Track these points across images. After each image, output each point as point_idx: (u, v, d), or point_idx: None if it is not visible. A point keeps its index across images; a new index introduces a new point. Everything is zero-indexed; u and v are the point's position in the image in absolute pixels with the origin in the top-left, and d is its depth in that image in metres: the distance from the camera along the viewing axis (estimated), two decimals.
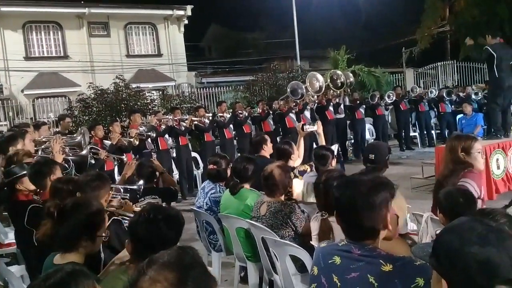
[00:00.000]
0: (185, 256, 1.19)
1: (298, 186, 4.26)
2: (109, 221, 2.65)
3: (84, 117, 12.69)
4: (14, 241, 4.46)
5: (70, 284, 1.41)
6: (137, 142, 8.10)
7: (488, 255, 1.20)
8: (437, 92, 13.24)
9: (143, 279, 1.13)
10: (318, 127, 5.37)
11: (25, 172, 3.52)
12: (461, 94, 13.76)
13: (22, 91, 17.57)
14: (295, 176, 4.64)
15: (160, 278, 1.12)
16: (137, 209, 3.09)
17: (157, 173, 4.66)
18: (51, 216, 2.36)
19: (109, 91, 13.29)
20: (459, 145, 3.50)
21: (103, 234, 2.38)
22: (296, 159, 4.94)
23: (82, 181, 3.14)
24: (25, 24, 18.40)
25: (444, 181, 3.49)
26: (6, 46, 17.80)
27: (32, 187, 3.52)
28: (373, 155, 3.70)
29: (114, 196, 3.41)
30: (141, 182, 4.00)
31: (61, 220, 2.30)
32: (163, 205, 2.38)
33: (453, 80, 21.15)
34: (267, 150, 5.27)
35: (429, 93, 13.32)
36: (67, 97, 17.06)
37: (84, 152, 5.22)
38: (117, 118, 11.19)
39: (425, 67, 21.50)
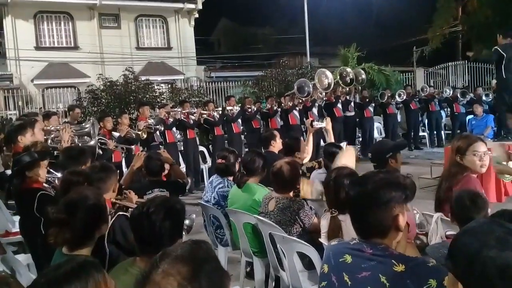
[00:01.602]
0: (198, 250, 1.17)
1: (306, 185, 4.23)
2: (114, 216, 2.63)
3: (93, 108, 12.74)
4: None
5: (81, 276, 1.39)
6: (145, 135, 8.12)
7: (507, 259, 1.16)
8: (451, 92, 13.13)
9: (156, 272, 1.12)
10: (327, 124, 5.33)
11: (33, 159, 3.53)
12: (471, 95, 13.62)
13: (32, 80, 17.65)
14: (303, 173, 4.62)
15: (173, 271, 1.10)
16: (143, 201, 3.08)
17: (167, 165, 4.65)
18: (57, 222, 2.32)
19: (118, 83, 13.32)
20: (455, 146, 3.41)
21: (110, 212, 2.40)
22: (304, 156, 4.91)
23: (88, 173, 3.14)
24: (36, 14, 18.47)
25: (443, 181, 3.45)
26: (17, 35, 17.89)
27: (43, 174, 3.54)
28: (371, 154, 3.70)
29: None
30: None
31: (72, 218, 2.27)
32: (168, 197, 2.35)
33: (463, 81, 20.97)
34: (276, 146, 5.26)
35: (443, 92, 13.22)
36: (76, 88, 17.13)
37: (92, 142, 5.23)
38: (126, 110, 11.22)
39: (436, 67, 21.33)
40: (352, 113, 11.85)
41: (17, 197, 3.88)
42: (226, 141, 10.13)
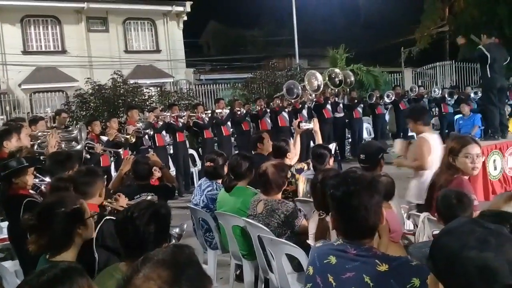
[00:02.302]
0: (180, 254, 1.17)
1: (301, 184, 4.25)
2: (102, 221, 2.62)
3: (82, 112, 12.66)
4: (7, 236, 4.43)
5: (65, 282, 1.38)
6: (134, 139, 8.08)
7: (486, 260, 1.16)
8: (440, 91, 13.24)
9: (137, 277, 1.12)
10: (314, 125, 5.35)
11: (23, 165, 3.49)
12: (458, 94, 13.76)
13: (20, 85, 17.49)
14: (292, 174, 4.64)
15: (154, 275, 1.10)
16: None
17: (157, 169, 4.63)
18: (33, 229, 2.31)
19: (107, 87, 13.25)
20: (448, 147, 3.43)
21: (90, 215, 2.37)
22: (293, 157, 4.93)
23: (74, 177, 3.12)
24: (23, 18, 18.30)
25: (435, 182, 3.47)
26: (4, 39, 17.71)
27: (30, 180, 3.51)
28: (364, 155, 3.69)
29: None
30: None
31: (48, 223, 2.25)
32: (154, 202, 2.34)
33: (451, 81, 21.17)
34: (265, 147, 5.25)
35: (432, 92, 13.32)
36: (64, 92, 16.98)
37: (79, 147, 5.19)
38: (115, 114, 11.17)
39: (424, 67, 21.51)
40: (341, 114, 11.90)
41: (4, 204, 3.84)
42: (216, 144, 10.12)
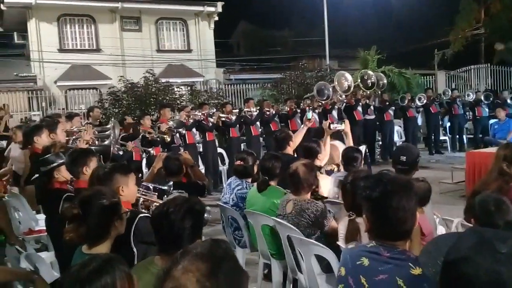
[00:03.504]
0: (217, 248, 1.20)
1: (325, 185, 4.23)
2: (137, 219, 2.66)
3: (114, 109, 12.94)
4: (43, 228, 4.57)
5: (109, 270, 1.45)
6: (169, 138, 8.23)
7: None
8: (474, 96, 12.91)
9: (176, 269, 1.15)
10: (346, 126, 5.33)
11: (63, 160, 3.59)
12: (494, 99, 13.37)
13: (55, 82, 17.99)
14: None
15: (193, 268, 1.14)
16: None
17: (185, 167, 4.69)
18: (74, 218, 2.39)
19: (139, 85, 13.52)
20: (503, 154, 3.36)
21: (125, 211, 2.45)
22: (323, 158, 4.91)
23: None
24: (60, 17, 18.82)
25: (482, 188, 3.38)
26: (41, 38, 18.24)
27: (69, 176, 3.59)
28: (405, 157, 3.60)
29: (140, 191, 3.41)
30: (170, 183, 4.01)
31: (88, 213, 2.33)
32: (189, 198, 2.36)
33: (486, 84, 20.61)
34: (292, 147, 5.25)
35: (465, 96, 13.01)
36: (98, 90, 17.38)
37: (107, 142, 5.29)
38: (146, 112, 11.38)
39: (458, 70, 21.00)
40: (372, 116, 11.75)
41: (43, 197, 3.95)
42: (242, 143, 10.17)
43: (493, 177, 3.36)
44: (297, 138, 5.25)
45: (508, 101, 12.58)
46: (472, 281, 1.24)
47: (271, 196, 4.04)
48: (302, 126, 5.72)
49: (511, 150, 3.31)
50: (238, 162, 4.62)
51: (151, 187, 3.66)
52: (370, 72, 9.58)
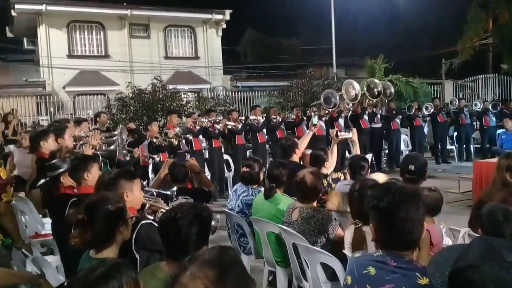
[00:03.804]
0: (225, 255, 1.20)
1: (334, 198, 4.21)
2: (139, 226, 2.67)
3: (122, 115, 13.00)
4: (49, 232, 4.59)
5: (116, 276, 1.46)
6: (176, 142, 8.27)
7: None
8: (481, 105, 12.85)
9: (184, 275, 1.15)
10: (353, 135, 5.32)
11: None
12: (502, 107, 13.29)
13: (64, 87, 18.13)
14: (328, 184, 4.61)
15: (201, 274, 1.14)
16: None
17: (191, 173, 4.69)
18: (79, 223, 2.41)
19: (146, 91, 13.59)
20: (505, 164, 3.33)
21: (130, 216, 2.46)
22: (330, 166, 4.91)
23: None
24: (69, 23, 19.01)
25: (486, 199, 3.35)
26: (51, 44, 18.42)
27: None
28: (413, 166, 3.58)
29: (146, 198, 3.42)
30: (174, 188, 4.03)
31: (93, 219, 2.35)
32: (196, 204, 2.36)
33: (493, 94, 20.51)
34: (298, 154, 5.25)
35: (473, 105, 12.95)
36: (106, 96, 17.50)
37: (112, 147, 5.31)
38: (153, 118, 11.43)
39: (465, 80, 20.93)
40: (379, 125, 11.71)
41: (50, 202, 3.97)
42: (248, 150, 10.18)
43: (497, 188, 3.32)
44: (302, 144, 5.26)
45: None
46: None
47: (277, 203, 4.04)
48: (308, 131, 5.73)
49: None
50: (244, 169, 4.63)
51: (154, 192, 3.66)
52: (376, 80, 9.56)
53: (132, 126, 8.46)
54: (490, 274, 1.23)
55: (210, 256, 1.19)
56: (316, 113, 8.49)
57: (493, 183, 3.41)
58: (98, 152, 5.02)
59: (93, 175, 3.40)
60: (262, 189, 4.34)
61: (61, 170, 3.61)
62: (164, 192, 3.79)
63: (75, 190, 3.58)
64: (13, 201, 5.25)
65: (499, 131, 11.37)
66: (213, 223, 2.30)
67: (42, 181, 3.96)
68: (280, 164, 4.33)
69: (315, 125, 5.73)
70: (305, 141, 5.38)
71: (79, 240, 2.38)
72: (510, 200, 3.18)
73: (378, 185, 3.07)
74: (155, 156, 7.77)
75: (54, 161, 3.73)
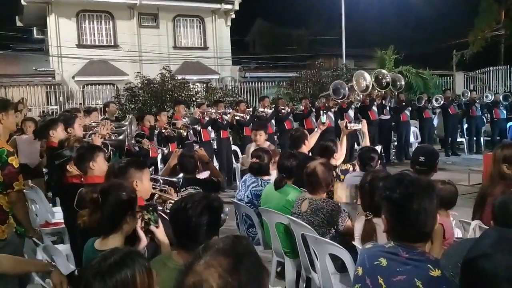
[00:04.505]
0: (239, 244, 1.21)
1: (340, 190, 4.19)
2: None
3: (131, 105, 13.05)
4: (60, 220, 4.63)
5: (129, 264, 1.47)
6: (185, 133, 8.28)
7: None
8: (493, 97, 12.71)
9: (198, 263, 1.16)
10: (363, 126, 5.30)
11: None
12: None
13: (73, 77, 18.21)
14: (337, 175, 4.60)
15: (215, 263, 1.14)
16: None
17: (200, 163, 4.70)
18: (91, 203, 2.42)
19: (155, 81, 13.62)
20: (501, 155, 3.26)
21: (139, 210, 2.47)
22: (339, 158, 4.89)
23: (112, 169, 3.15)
24: (78, 13, 19.05)
25: (486, 192, 3.31)
26: (60, 33, 18.49)
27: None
28: (424, 158, 3.54)
29: (153, 186, 3.43)
30: (180, 175, 4.03)
31: (105, 201, 2.36)
32: (207, 194, 2.37)
33: (505, 86, 20.28)
34: (308, 146, 5.23)
35: (484, 97, 12.81)
36: (115, 85, 17.55)
37: (121, 137, 5.33)
38: (162, 108, 11.45)
39: (476, 71, 20.71)
40: (388, 117, 11.62)
41: (59, 192, 3.99)
42: None
43: (495, 181, 3.24)
44: (310, 141, 5.21)
45: None
46: (491, 277, 1.24)
47: (286, 194, 4.03)
48: (316, 129, 5.70)
49: (510, 151, 3.17)
50: (253, 160, 4.62)
51: (161, 180, 3.67)
52: (384, 71, 9.51)
53: (151, 119, 8.43)
54: (502, 264, 1.24)
55: (224, 245, 1.19)
56: (325, 111, 8.40)
57: (490, 176, 3.33)
58: (108, 142, 5.04)
59: (98, 164, 3.39)
60: (271, 179, 4.34)
61: (65, 158, 3.61)
62: (170, 179, 3.80)
63: (82, 180, 3.60)
64: (25, 190, 5.30)
65: (510, 123, 11.26)
66: (221, 216, 2.30)
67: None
68: (291, 155, 4.32)
69: (323, 123, 5.69)
70: (312, 139, 5.33)
71: (87, 219, 2.39)
72: (509, 193, 3.12)
73: (390, 177, 3.06)
74: (165, 148, 7.80)
75: (62, 150, 3.75)
